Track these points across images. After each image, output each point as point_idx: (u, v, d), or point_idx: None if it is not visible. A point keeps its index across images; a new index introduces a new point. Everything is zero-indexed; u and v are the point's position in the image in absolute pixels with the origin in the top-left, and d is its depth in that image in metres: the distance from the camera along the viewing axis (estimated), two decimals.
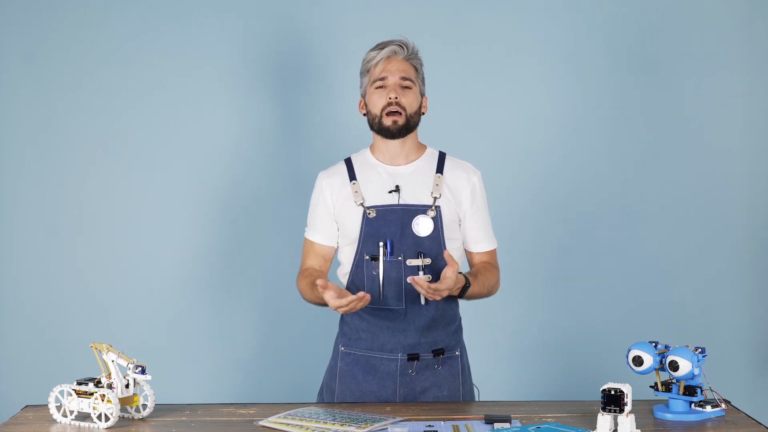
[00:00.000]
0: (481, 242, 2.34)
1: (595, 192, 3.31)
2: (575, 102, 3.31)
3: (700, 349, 1.94)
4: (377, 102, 2.26)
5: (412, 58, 2.29)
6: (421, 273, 2.21)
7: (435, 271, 2.23)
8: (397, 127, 2.25)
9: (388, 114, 2.24)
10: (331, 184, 2.32)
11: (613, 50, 3.30)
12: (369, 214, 2.24)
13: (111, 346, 1.96)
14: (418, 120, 2.31)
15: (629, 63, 3.30)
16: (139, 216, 3.27)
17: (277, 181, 3.27)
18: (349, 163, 2.34)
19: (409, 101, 2.26)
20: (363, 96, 2.33)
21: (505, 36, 3.29)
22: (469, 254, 2.37)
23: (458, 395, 2.28)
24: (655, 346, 1.98)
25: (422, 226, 2.21)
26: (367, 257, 2.22)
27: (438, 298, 2.10)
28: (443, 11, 3.28)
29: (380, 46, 2.28)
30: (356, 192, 2.28)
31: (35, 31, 3.24)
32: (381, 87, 2.26)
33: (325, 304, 2.19)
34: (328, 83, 3.28)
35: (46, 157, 3.26)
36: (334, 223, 2.32)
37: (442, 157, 2.34)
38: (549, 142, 3.30)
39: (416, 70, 2.30)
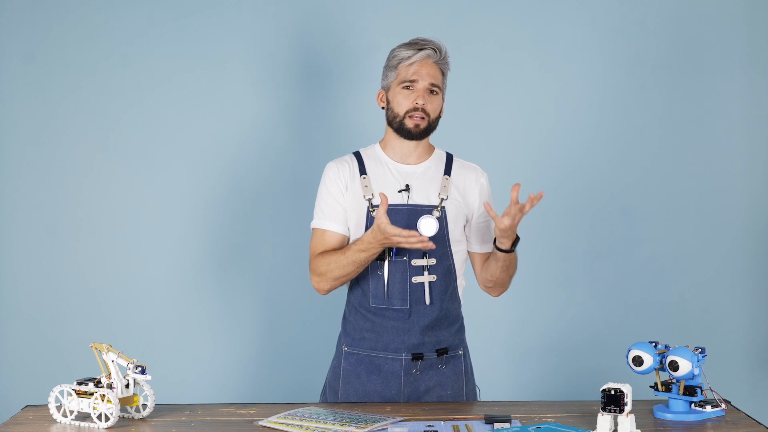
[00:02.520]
0: (488, 243, 2.33)
1: (595, 192, 3.31)
2: (575, 103, 3.31)
3: (700, 349, 1.94)
4: (402, 102, 2.24)
5: (442, 62, 2.26)
6: (425, 273, 2.21)
7: (440, 271, 2.23)
8: (419, 131, 2.24)
9: (411, 117, 2.23)
10: (343, 173, 2.27)
11: (614, 52, 3.30)
12: (373, 213, 2.21)
13: (111, 346, 1.96)
14: (437, 124, 2.30)
15: (630, 64, 3.30)
16: (139, 216, 3.27)
17: (277, 181, 3.27)
18: (358, 156, 2.31)
19: (434, 107, 2.25)
20: (385, 89, 2.29)
21: (505, 36, 3.29)
22: (473, 255, 2.35)
23: (462, 394, 2.28)
24: (655, 346, 1.98)
25: (426, 227, 2.17)
26: None
27: (509, 221, 2.09)
28: (443, 11, 3.28)
29: (415, 46, 2.24)
30: (366, 186, 2.25)
31: (35, 31, 3.23)
32: (408, 88, 2.23)
33: (357, 269, 2.15)
34: (328, 83, 3.28)
35: (46, 157, 3.26)
36: (345, 212, 2.26)
37: (449, 158, 2.33)
38: (548, 143, 3.30)
39: (443, 75, 2.28)
